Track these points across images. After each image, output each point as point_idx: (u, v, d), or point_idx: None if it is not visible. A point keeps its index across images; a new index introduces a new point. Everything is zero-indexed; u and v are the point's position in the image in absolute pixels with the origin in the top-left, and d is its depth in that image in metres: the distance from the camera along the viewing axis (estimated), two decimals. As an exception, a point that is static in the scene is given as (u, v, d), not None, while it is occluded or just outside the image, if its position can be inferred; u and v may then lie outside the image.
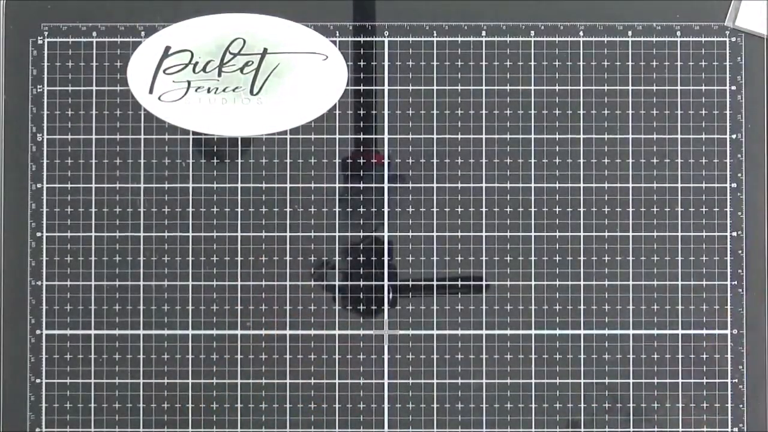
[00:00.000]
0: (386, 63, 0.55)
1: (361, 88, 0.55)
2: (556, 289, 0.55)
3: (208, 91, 0.55)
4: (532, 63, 0.55)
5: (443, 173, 0.55)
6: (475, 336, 0.55)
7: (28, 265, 0.55)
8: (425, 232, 0.55)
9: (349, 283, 0.55)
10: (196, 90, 0.55)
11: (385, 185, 0.55)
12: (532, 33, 0.55)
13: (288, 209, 0.55)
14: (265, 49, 0.55)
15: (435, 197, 0.55)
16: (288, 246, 0.55)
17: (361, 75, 0.55)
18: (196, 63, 0.55)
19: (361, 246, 0.55)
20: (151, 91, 0.55)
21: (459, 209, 0.55)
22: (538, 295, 0.55)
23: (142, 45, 0.55)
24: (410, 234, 0.55)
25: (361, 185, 0.55)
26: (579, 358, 0.55)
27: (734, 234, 0.55)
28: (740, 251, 0.55)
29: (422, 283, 0.55)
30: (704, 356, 0.55)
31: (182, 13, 0.55)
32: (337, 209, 0.55)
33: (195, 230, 0.55)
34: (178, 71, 0.55)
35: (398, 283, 0.55)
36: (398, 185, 0.55)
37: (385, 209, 0.55)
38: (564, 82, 0.55)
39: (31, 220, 0.55)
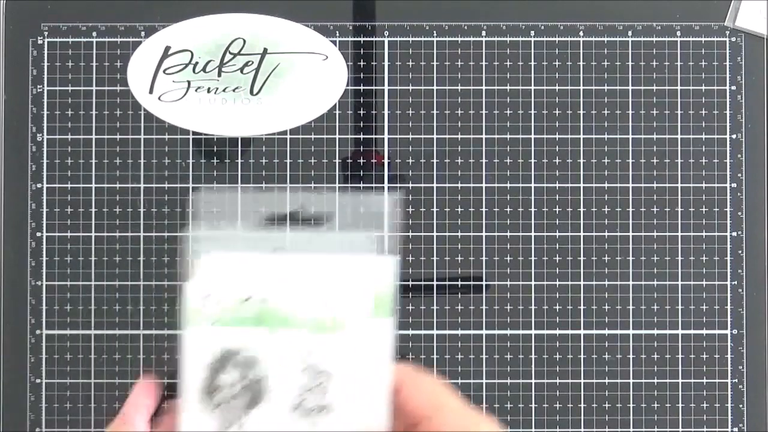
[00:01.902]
0: (386, 63, 0.55)
1: (361, 88, 0.55)
2: (556, 289, 0.55)
3: (208, 91, 0.55)
4: (532, 63, 0.55)
5: (443, 173, 0.55)
6: (475, 336, 0.55)
7: (28, 265, 0.55)
8: (425, 232, 0.55)
9: (349, 283, 0.55)
10: (196, 90, 0.55)
11: (385, 185, 0.55)
12: (532, 33, 0.56)
13: (288, 209, 0.55)
14: (265, 49, 0.55)
15: (435, 197, 0.55)
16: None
17: (361, 75, 0.55)
18: (196, 63, 0.55)
19: (361, 246, 0.55)
20: (151, 91, 0.55)
21: (459, 209, 0.55)
22: (538, 295, 0.55)
23: (142, 45, 0.55)
24: (410, 234, 0.55)
25: (361, 185, 0.55)
26: (579, 358, 0.55)
27: (734, 234, 0.55)
28: (740, 251, 0.55)
29: (422, 283, 0.55)
30: (704, 356, 0.55)
31: (182, 13, 0.55)
32: (337, 209, 0.55)
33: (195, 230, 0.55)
34: (178, 71, 0.55)
35: (398, 283, 0.55)
36: (398, 185, 0.55)
37: (386, 209, 0.55)
38: (564, 82, 0.55)
39: (31, 220, 0.55)
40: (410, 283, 0.55)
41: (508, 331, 0.55)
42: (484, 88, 0.55)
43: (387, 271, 0.46)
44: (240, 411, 0.46)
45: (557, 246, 0.55)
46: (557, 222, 0.55)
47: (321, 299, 0.46)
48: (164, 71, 0.55)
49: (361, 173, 0.55)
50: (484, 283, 0.55)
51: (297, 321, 0.46)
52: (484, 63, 0.55)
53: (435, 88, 0.55)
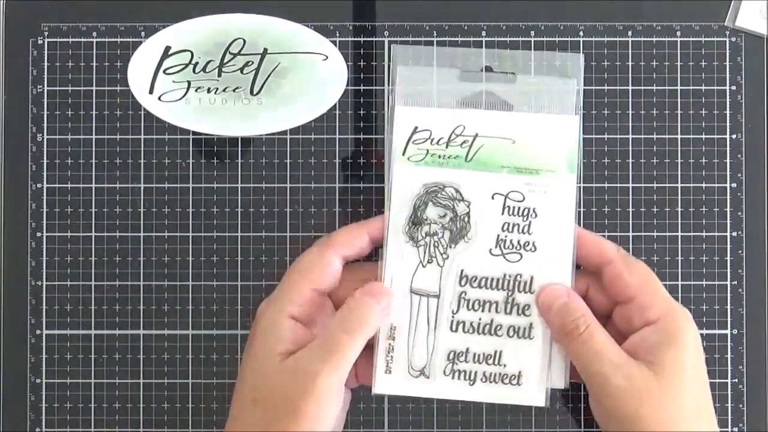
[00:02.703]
0: (386, 63, 0.55)
1: (361, 88, 0.55)
2: (556, 289, 0.55)
3: (208, 91, 0.55)
4: (532, 63, 0.55)
5: (443, 173, 0.55)
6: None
7: (28, 265, 0.55)
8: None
9: (349, 283, 0.55)
10: (196, 90, 0.55)
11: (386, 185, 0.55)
12: (532, 33, 0.55)
13: (288, 209, 0.55)
14: (265, 49, 0.55)
15: (435, 197, 0.55)
16: (288, 246, 0.55)
17: (361, 75, 0.55)
18: (196, 63, 0.55)
19: (361, 246, 0.55)
20: (151, 91, 0.55)
21: (459, 209, 0.55)
22: (538, 295, 0.55)
23: (142, 45, 0.55)
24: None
25: (361, 185, 0.55)
26: (579, 358, 0.55)
27: (734, 234, 0.55)
28: (740, 251, 0.55)
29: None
30: (704, 356, 0.55)
31: (182, 13, 0.55)
32: (337, 209, 0.55)
33: (195, 230, 0.55)
34: (178, 71, 0.55)
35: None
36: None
37: (386, 209, 0.55)
38: (564, 82, 0.55)
39: (31, 220, 0.55)
40: (410, 283, 0.55)
41: (508, 331, 0.55)
42: (483, 87, 0.55)
43: (573, 129, 0.51)
44: (444, 246, 0.49)
45: (557, 246, 0.55)
46: (557, 222, 0.55)
47: (518, 147, 0.51)
48: (164, 71, 0.55)
49: (361, 173, 0.55)
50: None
51: (498, 163, 0.51)
52: (483, 63, 0.55)
53: (435, 87, 0.55)
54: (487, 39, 0.55)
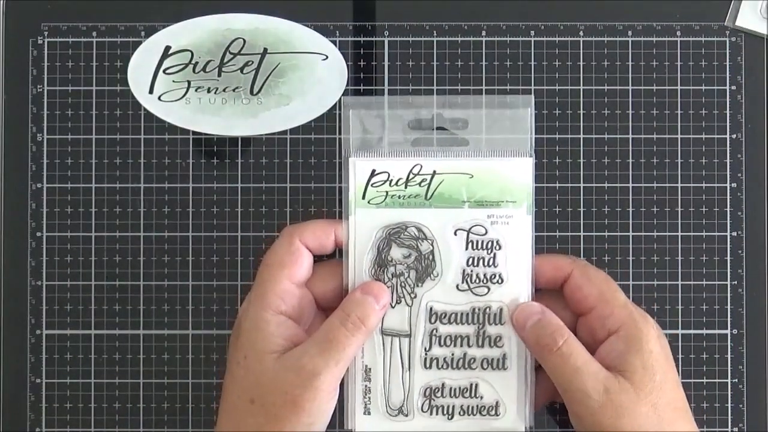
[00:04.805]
0: (386, 63, 0.55)
1: (361, 88, 0.55)
2: (556, 289, 0.55)
3: (208, 91, 0.55)
4: (532, 63, 0.55)
5: (443, 173, 0.55)
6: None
7: (28, 265, 0.55)
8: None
9: (349, 283, 0.55)
10: (196, 90, 0.55)
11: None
12: (532, 33, 0.56)
13: (288, 209, 0.55)
14: (265, 49, 0.55)
15: (435, 197, 0.55)
16: (288, 246, 0.55)
17: (361, 75, 0.55)
18: (196, 63, 0.55)
19: (361, 246, 0.55)
20: (151, 91, 0.55)
21: (459, 209, 0.55)
22: (538, 294, 0.55)
23: (142, 45, 0.55)
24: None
25: (361, 185, 0.55)
26: (579, 358, 0.55)
27: (734, 234, 0.55)
28: (740, 251, 0.55)
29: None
30: (704, 356, 0.55)
31: (182, 13, 0.55)
32: (337, 209, 0.55)
33: (195, 230, 0.55)
34: (178, 71, 0.55)
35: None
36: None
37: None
38: (564, 82, 0.55)
39: (31, 220, 0.55)
40: (410, 283, 0.55)
41: (508, 331, 0.55)
42: (483, 87, 0.55)
43: (527, 171, 0.51)
44: (410, 285, 0.49)
45: (557, 246, 0.55)
46: (557, 222, 0.55)
47: (477, 181, 0.51)
48: (164, 71, 0.55)
49: (361, 173, 0.55)
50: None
51: (458, 198, 0.51)
52: (484, 63, 0.55)
53: (435, 87, 0.55)
54: (487, 39, 0.55)
